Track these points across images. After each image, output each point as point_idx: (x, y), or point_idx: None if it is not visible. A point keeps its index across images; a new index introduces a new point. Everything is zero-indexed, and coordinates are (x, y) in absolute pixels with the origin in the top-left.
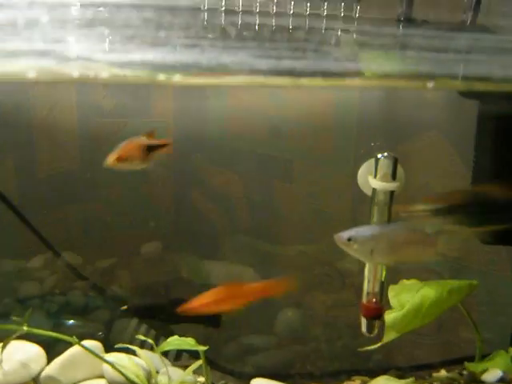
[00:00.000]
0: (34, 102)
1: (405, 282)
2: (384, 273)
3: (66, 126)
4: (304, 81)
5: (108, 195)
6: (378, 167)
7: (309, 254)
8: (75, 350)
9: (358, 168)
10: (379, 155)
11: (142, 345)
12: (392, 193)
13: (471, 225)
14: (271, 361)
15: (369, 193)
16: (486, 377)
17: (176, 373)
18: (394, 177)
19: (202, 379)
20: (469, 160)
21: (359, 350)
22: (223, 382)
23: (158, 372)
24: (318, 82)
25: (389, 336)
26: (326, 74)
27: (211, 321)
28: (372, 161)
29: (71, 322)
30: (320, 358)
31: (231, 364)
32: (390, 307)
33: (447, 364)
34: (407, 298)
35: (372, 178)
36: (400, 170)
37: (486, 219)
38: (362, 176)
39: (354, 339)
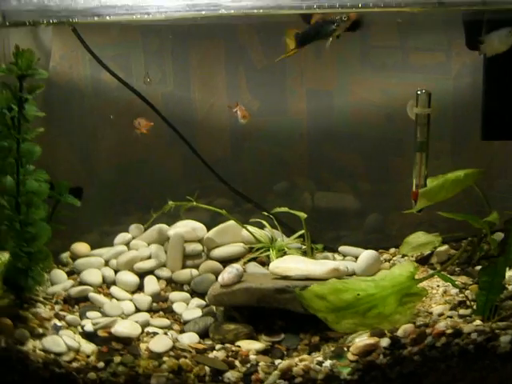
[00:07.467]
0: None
1: (439, 175)
2: (426, 171)
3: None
4: None
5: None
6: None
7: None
8: (225, 224)
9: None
10: (418, 91)
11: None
12: (429, 116)
13: None
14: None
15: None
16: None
17: (288, 239)
18: (429, 105)
19: (304, 246)
20: None
21: (405, 211)
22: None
23: (276, 239)
24: None
25: (421, 203)
26: None
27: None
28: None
29: None
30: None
31: (327, 242)
32: None
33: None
34: (436, 180)
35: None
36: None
37: None
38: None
39: None
